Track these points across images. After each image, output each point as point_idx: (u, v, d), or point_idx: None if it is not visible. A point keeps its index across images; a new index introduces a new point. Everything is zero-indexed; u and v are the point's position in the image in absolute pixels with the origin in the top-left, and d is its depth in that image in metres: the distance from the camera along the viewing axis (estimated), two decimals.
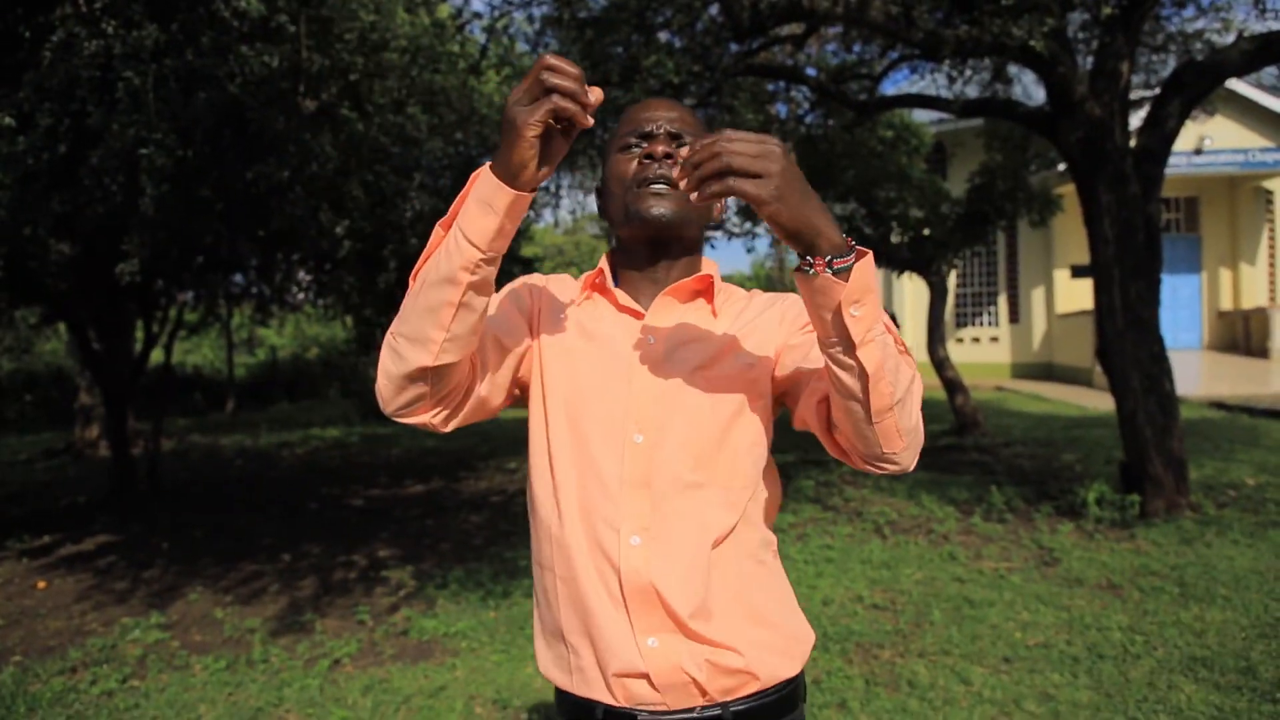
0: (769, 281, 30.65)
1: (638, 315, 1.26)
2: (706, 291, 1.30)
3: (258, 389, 20.56)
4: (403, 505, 7.47)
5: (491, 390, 1.21)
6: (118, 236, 4.87)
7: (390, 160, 6.21)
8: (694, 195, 0.96)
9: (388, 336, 1.10)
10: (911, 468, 1.10)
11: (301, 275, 9.47)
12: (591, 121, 0.97)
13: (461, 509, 7.19)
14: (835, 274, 0.97)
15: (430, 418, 1.14)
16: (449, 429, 1.18)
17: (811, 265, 0.98)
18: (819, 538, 5.60)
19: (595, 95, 0.97)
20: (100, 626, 4.56)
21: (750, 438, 1.23)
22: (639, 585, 1.14)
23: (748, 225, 11.36)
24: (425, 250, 1.09)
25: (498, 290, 1.33)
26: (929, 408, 11.87)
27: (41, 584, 5.36)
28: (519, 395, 1.30)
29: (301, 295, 10.39)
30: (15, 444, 13.36)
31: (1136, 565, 4.75)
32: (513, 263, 9.16)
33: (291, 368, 22.47)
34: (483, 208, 1.02)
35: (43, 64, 3.91)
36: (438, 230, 1.08)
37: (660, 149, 1.22)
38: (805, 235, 0.97)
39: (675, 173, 0.98)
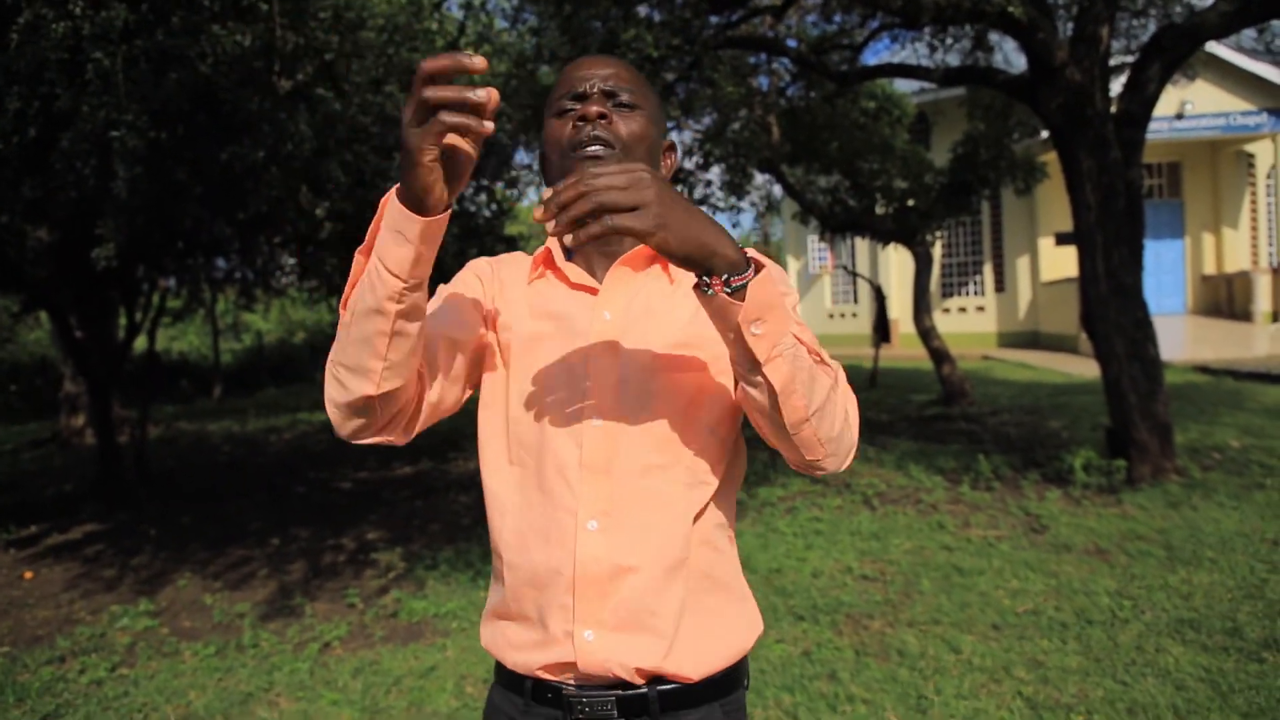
0: None
1: (592, 292, 1.21)
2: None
3: (244, 374, 20.41)
4: (391, 487, 7.46)
5: (447, 391, 1.18)
6: (92, 221, 4.81)
7: (370, 140, 6.12)
8: (568, 238, 0.88)
9: (329, 365, 1.06)
10: (840, 470, 1.09)
11: (284, 259, 9.39)
12: (490, 127, 0.88)
13: (450, 489, 7.19)
14: (733, 293, 0.93)
15: (386, 437, 1.11)
16: (406, 441, 1.16)
17: (709, 285, 0.94)
18: (808, 510, 5.62)
19: (488, 95, 0.86)
20: (88, 615, 4.54)
21: (715, 415, 1.19)
22: (592, 573, 1.11)
23: (732, 200, 11.30)
24: (350, 278, 1.04)
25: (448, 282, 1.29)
26: (917, 377, 11.85)
27: (28, 574, 5.33)
28: (479, 384, 1.26)
29: (285, 279, 10.30)
30: (0, 434, 13.26)
31: (1123, 530, 4.78)
32: (496, 241, 9.08)
33: (278, 352, 22.33)
34: (396, 237, 0.96)
35: (9, 46, 3.83)
36: (358, 258, 1.03)
37: (594, 109, 1.16)
38: (698, 257, 0.92)
39: (537, 214, 0.88)
